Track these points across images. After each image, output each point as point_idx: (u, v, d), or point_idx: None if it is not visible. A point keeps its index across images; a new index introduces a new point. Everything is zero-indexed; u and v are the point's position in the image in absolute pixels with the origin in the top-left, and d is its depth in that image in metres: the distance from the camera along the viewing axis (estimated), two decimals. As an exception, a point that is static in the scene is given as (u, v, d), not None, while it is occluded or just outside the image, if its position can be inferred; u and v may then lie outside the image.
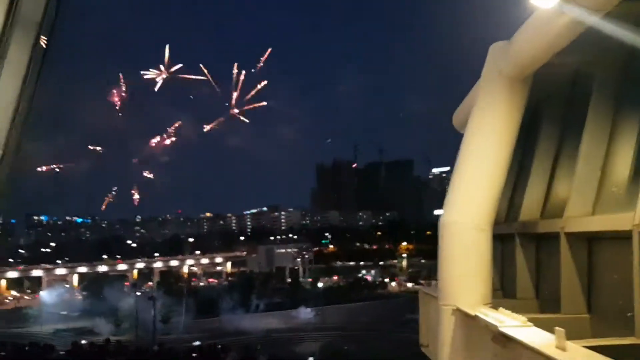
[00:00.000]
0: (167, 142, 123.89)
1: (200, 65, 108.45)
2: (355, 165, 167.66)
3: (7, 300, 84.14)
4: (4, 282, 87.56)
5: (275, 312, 66.01)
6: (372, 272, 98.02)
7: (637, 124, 5.23)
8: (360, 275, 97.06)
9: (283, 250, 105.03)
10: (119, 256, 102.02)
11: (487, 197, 5.42)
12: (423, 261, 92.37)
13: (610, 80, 5.69)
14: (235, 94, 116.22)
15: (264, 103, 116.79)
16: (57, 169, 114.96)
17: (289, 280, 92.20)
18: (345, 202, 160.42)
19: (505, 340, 3.80)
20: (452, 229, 5.43)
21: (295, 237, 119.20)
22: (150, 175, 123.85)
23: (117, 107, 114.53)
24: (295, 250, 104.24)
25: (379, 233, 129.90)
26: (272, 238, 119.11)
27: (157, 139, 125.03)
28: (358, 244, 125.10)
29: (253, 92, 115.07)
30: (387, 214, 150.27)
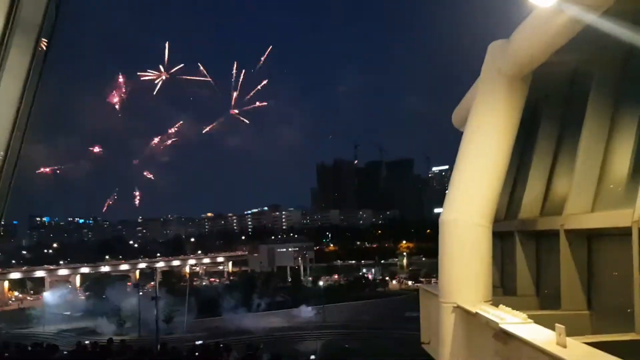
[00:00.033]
0: (168, 142, 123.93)
1: (199, 64, 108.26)
2: (356, 162, 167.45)
3: (10, 302, 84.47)
4: (6, 284, 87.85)
5: (277, 311, 66.19)
6: (373, 270, 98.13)
7: (636, 121, 5.25)
8: (361, 273, 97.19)
9: (284, 250, 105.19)
10: (121, 256, 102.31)
11: (487, 194, 5.45)
12: (424, 259, 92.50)
13: (609, 78, 5.71)
14: (234, 94, 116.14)
15: (265, 103, 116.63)
16: (57, 171, 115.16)
17: (290, 279, 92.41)
18: (345, 201, 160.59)
19: (506, 337, 3.83)
20: (452, 226, 5.46)
21: (296, 236, 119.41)
22: (151, 177, 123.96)
23: (117, 108, 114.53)
24: (296, 249, 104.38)
25: (380, 232, 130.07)
26: (273, 237, 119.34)
27: (158, 139, 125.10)
28: (359, 243, 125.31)
29: (253, 92, 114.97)
30: (388, 213, 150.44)
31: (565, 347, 3.16)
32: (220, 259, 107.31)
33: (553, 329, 3.40)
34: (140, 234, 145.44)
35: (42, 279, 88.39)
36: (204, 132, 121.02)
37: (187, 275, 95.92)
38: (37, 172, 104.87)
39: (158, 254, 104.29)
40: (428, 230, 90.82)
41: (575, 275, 5.55)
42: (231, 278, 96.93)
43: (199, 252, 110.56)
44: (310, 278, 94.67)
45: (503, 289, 7.75)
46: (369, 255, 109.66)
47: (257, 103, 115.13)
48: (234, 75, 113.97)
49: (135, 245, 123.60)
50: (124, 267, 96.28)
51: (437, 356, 5.77)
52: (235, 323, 58.11)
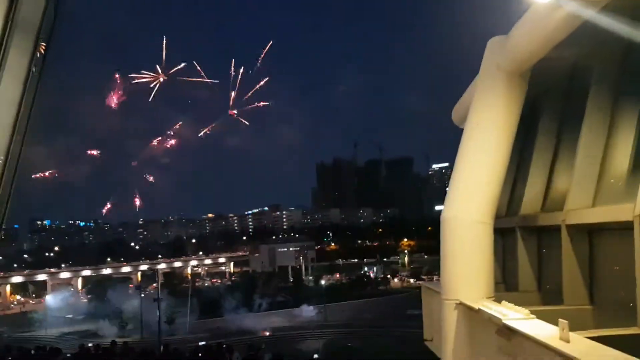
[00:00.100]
0: (167, 143, 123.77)
1: (195, 63, 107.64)
2: (355, 159, 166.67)
3: (12, 305, 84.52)
4: (8, 288, 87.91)
5: (279, 310, 66.26)
6: (375, 268, 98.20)
7: (636, 115, 5.25)
8: (362, 272, 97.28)
9: (285, 250, 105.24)
10: (122, 259, 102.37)
11: (488, 191, 5.45)
12: (426, 257, 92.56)
13: (609, 73, 5.71)
14: (233, 94, 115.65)
15: (266, 103, 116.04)
16: (56, 174, 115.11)
17: (292, 279, 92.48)
18: (346, 200, 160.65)
19: (509, 333, 3.84)
20: (453, 223, 5.47)
21: (297, 236, 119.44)
22: (151, 179, 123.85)
23: (116, 110, 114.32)
24: (297, 249, 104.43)
25: (380, 230, 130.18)
26: (274, 237, 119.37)
27: (157, 140, 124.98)
28: (360, 242, 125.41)
29: (252, 91, 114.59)
30: (388, 211, 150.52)
31: (568, 342, 3.17)
32: (221, 260, 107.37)
33: (556, 324, 3.40)
34: (141, 236, 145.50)
35: (43, 282, 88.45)
36: (202, 133, 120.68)
37: (189, 277, 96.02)
38: (36, 176, 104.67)
39: (159, 256, 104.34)
40: (429, 228, 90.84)
41: (577, 270, 5.55)
42: (233, 278, 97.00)
43: (201, 253, 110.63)
44: (311, 277, 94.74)
45: (505, 285, 7.76)
46: (370, 253, 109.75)
47: (257, 103, 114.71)
48: (232, 74, 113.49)
49: (137, 247, 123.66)
50: (126, 269, 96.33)
51: (440, 353, 5.78)
52: (237, 323, 58.18)
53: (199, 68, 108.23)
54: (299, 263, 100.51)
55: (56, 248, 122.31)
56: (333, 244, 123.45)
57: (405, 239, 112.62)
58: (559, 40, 4.59)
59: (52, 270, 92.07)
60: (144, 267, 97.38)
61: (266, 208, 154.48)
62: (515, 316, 3.95)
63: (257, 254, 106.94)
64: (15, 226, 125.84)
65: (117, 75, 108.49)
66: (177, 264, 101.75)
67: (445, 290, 5.45)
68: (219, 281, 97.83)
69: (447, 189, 5.96)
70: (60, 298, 76.21)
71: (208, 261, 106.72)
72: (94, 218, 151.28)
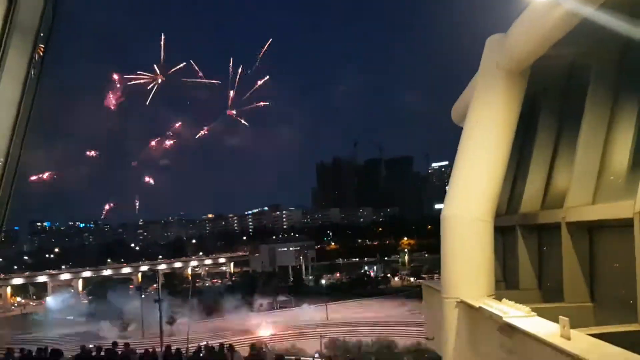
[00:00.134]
0: (167, 144, 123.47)
1: (193, 63, 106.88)
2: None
3: (13, 307, 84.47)
4: (9, 289, 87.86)
5: (280, 310, 66.30)
6: (375, 267, 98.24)
7: (635, 112, 5.25)
8: (362, 271, 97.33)
9: (285, 249, 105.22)
10: (122, 260, 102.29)
11: (488, 189, 5.45)
12: (426, 255, 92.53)
13: (607, 70, 5.71)
14: (231, 93, 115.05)
15: (266, 103, 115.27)
16: (55, 176, 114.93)
17: (292, 278, 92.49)
18: (345, 200, 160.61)
19: (510, 330, 3.84)
20: (453, 222, 5.47)
21: (297, 235, 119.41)
22: (151, 181, 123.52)
23: (115, 111, 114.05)
24: (298, 248, 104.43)
25: (380, 229, 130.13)
26: (274, 237, 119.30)
27: (156, 141, 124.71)
28: (360, 241, 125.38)
29: (252, 90, 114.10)
30: (388, 210, 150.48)
31: (569, 339, 3.18)
32: (222, 260, 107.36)
33: (556, 321, 3.41)
34: (141, 237, 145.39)
35: (44, 284, 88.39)
36: (200, 134, 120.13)
37: (190, 277, 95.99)
38: (35, 177, 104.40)
39: (160, 257, 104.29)
40: (429, 227, 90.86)
41: (578, 267, 5.56)
42: (233, 278, 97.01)
43: (201, 253, 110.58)
44: (311, 277, 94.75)
45: (505, 283, 7.77)
46: (371, 252, 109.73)
47: (257, 103, 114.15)
48: (231, 74, 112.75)
49: (137, 248, 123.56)
50: (126, 270, 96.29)
51: (442, 351, 5.79)
52: (238, 323, 58.24)
53: (196, 68, 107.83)
54: (299, 263, 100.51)
55: (56, 249, 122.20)
56: (333, 244, 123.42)
57: (405, 238, 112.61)
58: (558, 38, 4.59)
59: (53, 271, 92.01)
60: (144, 268, 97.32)
61: (266, 208, 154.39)
62: (516, 314, 3.96)
63: (257, 254, 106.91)
64: (16, 228, 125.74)
65: (115, 76, 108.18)
66: (178, 265, 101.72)
67: (445, 289, 5.46)
68: (220, 281, 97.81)
69: (447, 187, 5.97)
70: (60, 299, 76.17)
71: (208, 261, 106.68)
72: (93, 219, 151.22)
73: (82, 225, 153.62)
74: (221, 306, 66.23)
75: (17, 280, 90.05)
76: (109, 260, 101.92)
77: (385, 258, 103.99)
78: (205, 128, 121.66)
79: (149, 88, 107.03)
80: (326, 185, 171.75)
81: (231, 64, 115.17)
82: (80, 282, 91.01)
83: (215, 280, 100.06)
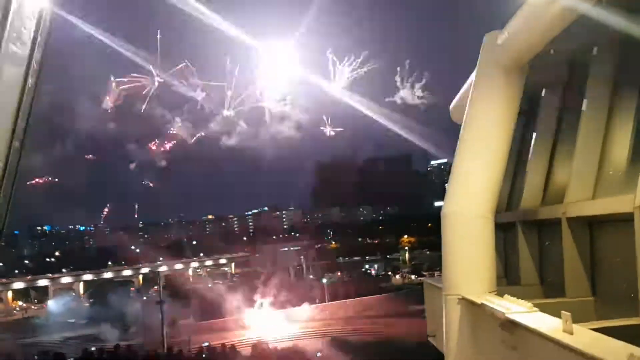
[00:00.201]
0: (166, 146, 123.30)
1: (191, 63, 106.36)
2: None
3: (14, 311, 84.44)
4: (10, 294, 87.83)
5: (281, 310, 66.41)
6: (376, 266, 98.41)
7: (634, 106, 5.26)
8: (363, 269, 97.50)
9: (286, 249, 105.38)
10: (123, 262, 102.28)
11: (488, 186, 5.47)
12: (428, 252, 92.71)
13: (606, 65, 5.72)
14: (229, 93, 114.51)
15: (266, 103, 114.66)
16: (56, 179, 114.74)
17: (293, 278, 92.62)
18: (345, 199, 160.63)
19: (512, 326, 3.86)
20: (454, 219, 5.48)
21: (298, 235, 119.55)
22: (150, 184, 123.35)
23: (113, 113, 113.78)
24: (298, 248, 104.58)
25: (381, 227, 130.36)
26: (274, 237, 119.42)
27: (155, 143, 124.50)
28: (360, 239, 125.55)
29: (250, 91, 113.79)
30: (388, 208, 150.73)
31: (572, 334, 3.19)
32: (222, 261, 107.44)
33: (558, 316, 3.42)
34: (141, 239, 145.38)
35: (45, 287, 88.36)
36: (198, 136, 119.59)
37: (190, 279, 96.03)
38: (33, 182, 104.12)
39: (160, 258, 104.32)
40: (429, 224, 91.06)
41: (579, 262, 5.58)
42: (234, 279, 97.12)
43: (201, 254, 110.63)
44: (312, 276, 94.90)
45: (507, 279, 7.79)
46: (371, 251, 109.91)
47: (256, 103, 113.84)
48: (228, 73, 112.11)
49: (137, 251, 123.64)
50: (127, 272, 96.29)
51: (443, 348, 5.80)
52: (239, 323, 58.34)
53: (193, 68, 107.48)
54: (300, 262, 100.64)
55: (57, 253, 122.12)
56: (333, 243, 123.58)
57: (406, 236, 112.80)
58: (556, 33, 4.60)
59: (54, 275, 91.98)
60: (145, 270, 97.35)
61: (266, 208, 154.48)
62: (518, 310, 3.97)
63: (258, 254, 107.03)
64: (16, 232, 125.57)
65: (112, 78, 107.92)
66: (178, 266, 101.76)
67: (447, 286, 5.47)
68: (221, 282, 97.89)
69: (446, 185, 5.98)
70: (62, 303, 76.23)
71: (209, 262, 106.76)
72: (93, 222, 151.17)
73: (82, 228, 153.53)
74: (222, 307, 66.35)
75: (18, 285, 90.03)
76: (109, 263, 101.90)
77: (387, 256, 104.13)
78: (204, 129, 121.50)
79: (146, 90, 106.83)
80: (325, 184, 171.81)
81: (228, 62, 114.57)
82: (81, 285, 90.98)
83: (217, 281, 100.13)
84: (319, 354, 43.20)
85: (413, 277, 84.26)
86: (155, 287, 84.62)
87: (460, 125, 5.88)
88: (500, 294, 4.85)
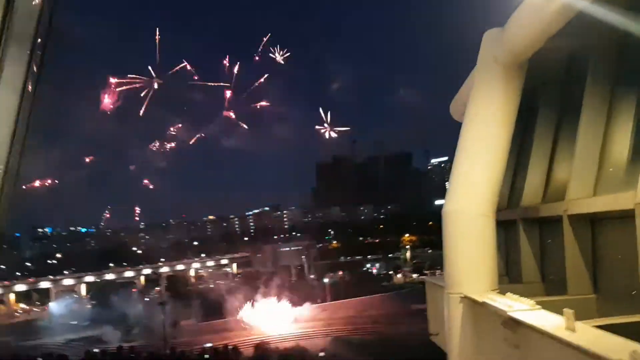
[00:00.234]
0: (166, 146, 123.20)
1: (191, 63, 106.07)
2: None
3: (16, 314, 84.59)
4: (12, 296, 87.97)
5: (282, 310, 66.40)
6: (377, 265, 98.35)
7: (634, 104, 5.25)
8: (365, 269, 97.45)
9: (287, 249, 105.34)
10: (125, 263, 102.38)
11: (489, 184, 5.45)
12: (430, 251, 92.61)
13: (605, 62, 5.71)
14: (229, 93, 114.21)
15: (267, 104, 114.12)
16: (57, 181, 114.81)
17: (295, 278, 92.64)
18: (346, 198, 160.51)
19: (514, 324, 3.85)
20: (455, 217, 5.47)
21: (299, 235, 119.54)
22: (151, 185, 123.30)
23: (113, 114, 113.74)
24: (299, 247, 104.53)
25: (382, 226, 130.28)
26: (275, 237, 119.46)
27: (155, 144, 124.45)
28: (361, 238, 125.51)
29: (249, 91, 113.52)
30: (389, 207, 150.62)
31: (574, 331, 3.18)
32: (224, 261, 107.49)
33: (561, 314, 3.42)
34: (143, 240, 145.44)
35: (47, 289, 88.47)
36: (197, 136, 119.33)
37: (192, 279, 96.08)
38: (34, 184, 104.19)
39: (162, 259, 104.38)
40: (430, 223, 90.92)
41: (580, 259, 5.57)
42: (236, 279, 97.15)
43: (203, 255, 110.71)
44: (314, 276, 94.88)
45: (509, 277, 7.78)
46: (373, 250, 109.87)
47: (257, 103, 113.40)
48: (228, 73, 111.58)
49: (139, 252, 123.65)
50: (129, 273, 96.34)
51: (446, 347, 5.80)
52: (241, 324, 58.37)
53: (192, 69, 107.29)
54: (301, 262, 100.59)
55: (58, 255, 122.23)
56: (335, 242, 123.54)
57: (407, 235, 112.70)
58: (555, 31, 4.58)
59: (55, 277, 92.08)
60: (146, 271, 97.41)
61: (267, 208, 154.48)
62: (520, 307, 3.97)
63: (259, 254, 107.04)
64: (17, 234, 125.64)
65: (112, 80, 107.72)
66: (180, 267, 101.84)
67: (449, 284, 5.47)
68: (222, 282, 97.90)
69: (447, 183, 5.97)
70: (64, 305, 76.31)
71: (210, 263, 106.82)
72: (95, 224, 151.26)
73: (83, 230, 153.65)
74: (224, 307, 66.39)
75: (20, 287, 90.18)
76: (111, 265, 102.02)
77: (390, 255, 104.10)
78: (204, 129, 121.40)
79: (145, 91, 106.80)
80: (326, 184, 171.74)
81: (227, 62, 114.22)
82: (83, 286, 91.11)
83: (218, 282, 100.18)
84: (321, 354, 43.20)
85: (414, 276, 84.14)
86: (157, 288, 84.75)
87: (459, 121, 5.88)
88: (502, 292, 4.85)
